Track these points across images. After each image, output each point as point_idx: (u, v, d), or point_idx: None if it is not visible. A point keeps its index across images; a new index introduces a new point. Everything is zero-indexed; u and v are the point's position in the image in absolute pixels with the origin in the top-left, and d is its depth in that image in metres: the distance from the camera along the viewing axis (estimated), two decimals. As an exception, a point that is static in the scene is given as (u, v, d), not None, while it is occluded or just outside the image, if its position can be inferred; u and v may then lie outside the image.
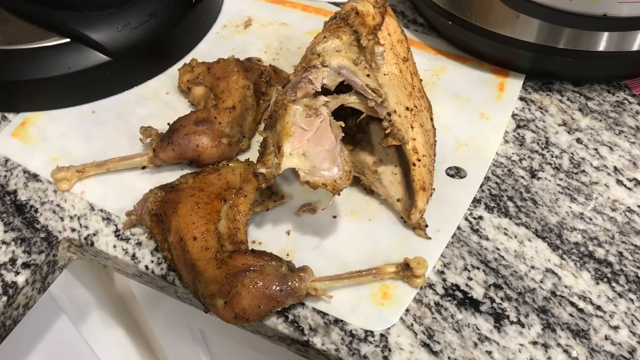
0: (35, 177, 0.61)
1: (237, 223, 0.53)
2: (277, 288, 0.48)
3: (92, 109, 0.67)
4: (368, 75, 0.53)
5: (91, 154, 0.63)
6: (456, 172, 0.60)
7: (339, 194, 0.47)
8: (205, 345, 0.78)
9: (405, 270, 0.50)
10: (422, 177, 0.54)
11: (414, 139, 0.55)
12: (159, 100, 0.68)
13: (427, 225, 0.54)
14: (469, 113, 0.64)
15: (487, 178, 0.59)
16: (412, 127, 0.55)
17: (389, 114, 0.53)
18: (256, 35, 0.75)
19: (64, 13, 0.65)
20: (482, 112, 0.64)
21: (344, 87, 0.53)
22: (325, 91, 0.52)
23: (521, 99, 0.66)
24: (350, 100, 0.53)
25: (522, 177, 0.59)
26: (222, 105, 0.61)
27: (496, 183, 0.59)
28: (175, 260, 0.52)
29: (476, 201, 0.57)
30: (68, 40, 0.65)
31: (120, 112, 0.67)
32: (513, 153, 0.61)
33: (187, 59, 0.72)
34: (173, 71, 0.71)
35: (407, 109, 0.55)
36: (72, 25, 0.65)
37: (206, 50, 0.73)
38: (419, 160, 0.54)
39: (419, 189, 0.54)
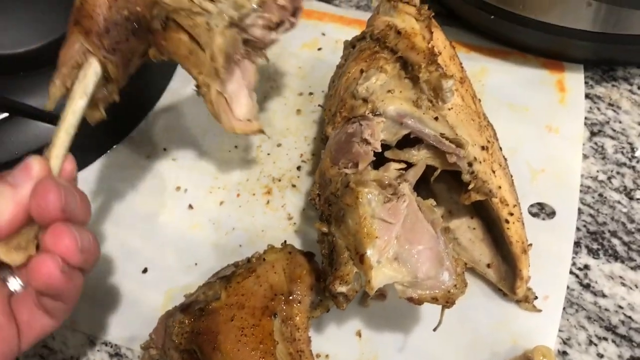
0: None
1: (298, 344, 0.40)
2: None
3: (55, 194, 0.51)
4: (436, 119, 0.40)
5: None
6: (540, 209, 0.48)
7: (451, 307, 0.35)
8: None
9: (531, 368, 0.39)
10: (520, 236, 0.42)
11: (499, 187, 0.43)
12: (138, 167, 0.52)
13: (536, 297, 0.43)
14: (533, 126, 0.52)
15: (578, 211, 0.48)
16: (494, 171, 0.43)
17: (469, 164, 0.40)
18: (240, 57, 0.60)
19: (-8, 80, 0.48)
20: (548, 123, 0.52)
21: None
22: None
23: (585, 96, 0.54)
24: (421, 156, 0.40)
25: (619, 202, 0.48)
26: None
27: (590, 215, 0.48)
28: (230, 414, 0.38)
29: (575, 245, 0.46)
30: (6, 115, 0.48)
31: (97, 191, 0.51)
32: (598, 171, 0.50)
33: (161, 102, 0.56)
34: (146, 124, 0.55)
35: (483, 148, 0.43)
36: (7, 94, 0.48)
37: (177, 90, 0.58)
38: (512, 214, 0.42)
39: (520, 253, 0.42)
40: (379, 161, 0.40)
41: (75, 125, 0.37)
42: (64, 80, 0.38)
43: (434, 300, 0.34)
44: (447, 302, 0.34)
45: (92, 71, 0.37)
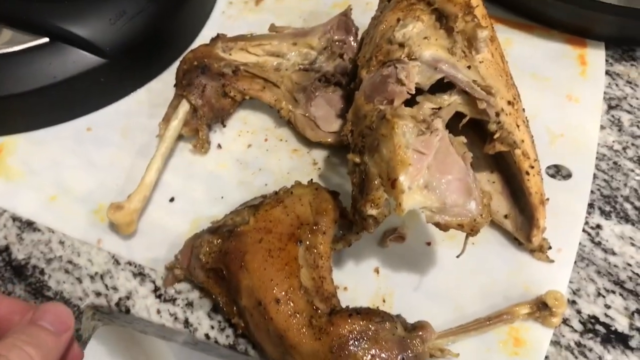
0: (30, 225, 0.47)
1: (320, 270, 0.41)
2: (398, 357, 0.37)
3: (87, 125, 0.53)
4: (469, 67, 0.42)
5: (99, 186, 0.49)
6: (556, 171, 0.50)
7: (475, 235, 0.36)
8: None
9: (543, 309, 0.41)
10: (539, 187, 0.44)
11: (523, 141, 0.44)
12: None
13: (550, 247, 0.45)
14: (554, 95, 0.54)
15: (593, 176, 0.50)
16: (518, 126, 0.44)
17: (497, 114, 0.42)
18: (272, 13, 0.62)
19: (38, 5, 0.49)
20: (568, 93, 0.54)
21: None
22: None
23: (605, 72, 0.56)
24: (452, 101, 0.42)
25: (632, 171, 0.50)
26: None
27: (605, 181, 0.49)
28: (253, 329, 0.40)
29: (588, 206, 0.48)
30: (47, 40, 0.50)
31: (124, 127, 0.53)
32: (614, 141, 0.52)
33: (194, 46, 0.58)
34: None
35: (509, 103, 0.44)
36: (50, 19, 0.50)
37: (209, 36, 0.59)
38: (532, 167, 0.44)
39: (538, 203, 0.44)
40: (411, 106, 0.42)
41: (172, 138, 0.49)
42: (168, 117, 0.50)
43: (460, 226, 0.36)
44: (472, 229, 0.36)
45: (182, 106, 0.49)
